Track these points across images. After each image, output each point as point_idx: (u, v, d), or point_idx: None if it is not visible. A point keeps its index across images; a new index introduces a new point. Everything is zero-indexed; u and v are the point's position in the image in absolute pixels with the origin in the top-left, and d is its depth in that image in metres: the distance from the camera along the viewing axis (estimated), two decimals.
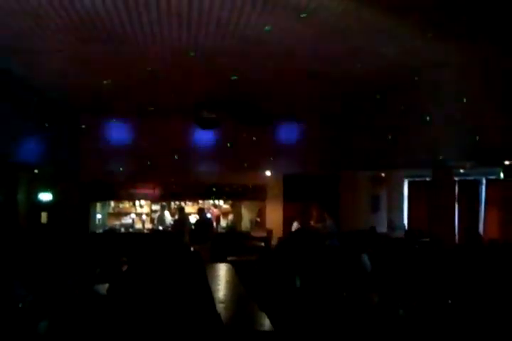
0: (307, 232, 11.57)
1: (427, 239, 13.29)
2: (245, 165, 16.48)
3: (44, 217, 15.84)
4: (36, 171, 14.91)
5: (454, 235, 13.54)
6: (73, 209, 16.53)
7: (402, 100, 13.24)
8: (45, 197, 15.88)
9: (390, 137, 13.29)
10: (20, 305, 6.64)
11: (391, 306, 7.15)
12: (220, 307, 6.55)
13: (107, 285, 7.95)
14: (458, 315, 6.84)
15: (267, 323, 5.74)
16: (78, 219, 16.63)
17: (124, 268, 9.57)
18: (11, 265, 8.53)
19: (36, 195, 15.72)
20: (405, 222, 16.69)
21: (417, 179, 17.00)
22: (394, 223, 16.29)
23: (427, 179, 14.79)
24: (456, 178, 13.87)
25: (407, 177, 16.78)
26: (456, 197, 14.04)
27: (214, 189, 17.64)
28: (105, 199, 18.11)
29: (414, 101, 12.86)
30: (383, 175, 16.99)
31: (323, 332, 6.68)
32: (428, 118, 11.90)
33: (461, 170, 13.38)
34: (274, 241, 15.19)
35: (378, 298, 7.77)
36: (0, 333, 5.81)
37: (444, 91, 11.71)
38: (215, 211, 18.71)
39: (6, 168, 13.30)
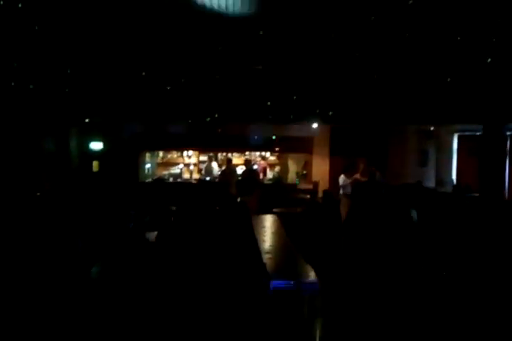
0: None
1: (476, 195, 13.15)
2: (292, 117, 16.36)
3: (95, 166, 16.19)
4: (87, 121, 15.17)
5: (504, 191, 13.34)
6: (123, 158, 16.78)
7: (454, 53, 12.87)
8: (96, 146, 16.20)
9: (441, 91, 12.98)
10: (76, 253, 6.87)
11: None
12: (266, 257, 6.65)
13: (155, 233, 8.17)
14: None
15: (311, 274, 5.82)
16: (128, 168, 16.89)
17: (173, 217, 9.79)
18: (66, 213, 8.80)
19: (87, 145, 16.04)
20: (453, 177, 16.51)
21: (466, 133, 16.70)
22: (442, 178, 16.13)
23: (477, 134, 14.51)
24: (507, 133, 13.58)
25: (456, 131, 16.48)
26: (508, 152, 13.78)
27: (261, 141, 17.63)
28: (154, 149, 18.31)
29: (465, 55, 12.49)
30: (432, 129, 16.73)
31: (367, 284, 6.75)
32: (480, 71, 11.54)
33: None
34: (320, 194, 15.21)
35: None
36: (53, 279, 6.04)
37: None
38: (262, 163, 18.78)
39: (58, 118, 13.57)
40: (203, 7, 8.76)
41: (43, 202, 10.90)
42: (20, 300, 5.60)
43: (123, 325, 5.18)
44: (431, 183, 16.01)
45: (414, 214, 9.68)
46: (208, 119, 15.64)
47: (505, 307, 5.99)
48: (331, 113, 15.86)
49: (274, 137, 17.74)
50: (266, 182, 17.44)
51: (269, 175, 18.51)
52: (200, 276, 6.40)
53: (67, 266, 6.50)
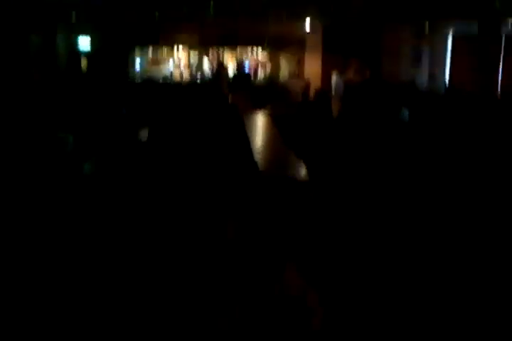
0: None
1: (469, 94, 13.10)
2: (284, 13, 15.90)
3: (84, 64, 15.87)
4: (74, 15, 14.64)
5: (497, 91, 13.27)
6: (112, 56, 16.41)
7: None
8: (84, 43, 15.76)
9: None
10: (68, 148, 6.87)
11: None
12: (258, 155, 6.68)
13: (147, 132, 8.17)
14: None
15: (303, 172, 5.88)
16: (118, 67, 16.56)
17: (164, 116, 9.76)
18: (57, 111, 8.72)
19: (76, 41, 15.60)
20: (447, 76, 16.36)
21: (461, 33, 16.36)
22: (435, 78, 15.98)
23: (472, 33, 14.21)
24: (503, 33, 13.31)
25: (451, 31, 16.14)
26: (502, 52, 13.57)
27: (253, 38, 17.23)
28: (145, 44, 17.83)
29: None
30: (427, 28, 16.35)
31: (358, 182, 6.84)
32: None
33: (510, 26, 12.80)
34: (311, 93, 15.11)
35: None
36: (46, 177, 6.08)
37: None
38: (253, 61, 18.46)
39: (42, 11, 13.08)
40: None
41: (34, 99, 10.77)
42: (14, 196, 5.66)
43: (116, 222, 5.26)
44: (424, 83, 15.88)
45: (405, 113, 9.68)
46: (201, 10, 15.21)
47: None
48: (324, 8, 15.44)
49: (265, 36, 17.36)
50: (257, 81, 17.24)
51: (261, 74, 18.25)
52: (191, 173, 6.45)
53: (60, 163, 6.52)
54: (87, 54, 15.89)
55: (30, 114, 8.90)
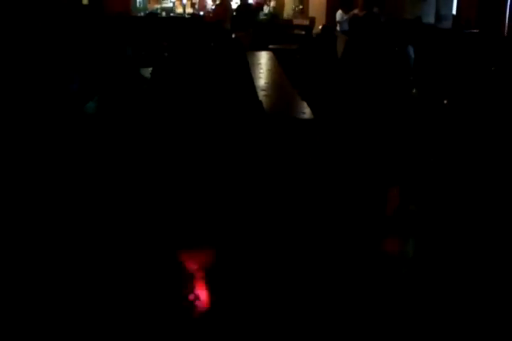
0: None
1: (476, 30, 12.90)
2: None
3: None
4: None
5: (504, 27, 13.07)
6: None
7: None
8: None
9: None
10: (72, 87, 6.86)
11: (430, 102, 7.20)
12: (262, 94, 6.68)
13: (150, 69, 8.12)
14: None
15: (307, 111, 5.89)
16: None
17: (166, 52, 9.65)
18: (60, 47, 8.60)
19: None
20: (454, 11, 16.05)
21: None
22: (441, 13, 15.67)
23: None
24: None
25: None
26: None
27: None
28: None
29: None
30: None
31: (362, 121, 6.87)
32: None
33: None
34: (316, 30, 14.88)
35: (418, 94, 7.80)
36: (49, 116, 6.09)
37: None
38: None
39: None
40: None
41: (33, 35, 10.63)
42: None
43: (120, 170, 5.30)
44: (430, 19, 15.60)
45: (411, 50, 9.56)
46: None
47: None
48: None
49: None
50: (261, 17, 16.95)
51: (265, 10, 17.94)
52: (195, 111, 6.46)
53: (64, 102, 6.53)
54: None
55: (32, 50, 8.82)
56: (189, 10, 17.81)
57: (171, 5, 17.92)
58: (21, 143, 5.57)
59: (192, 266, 3.98)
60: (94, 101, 6.75)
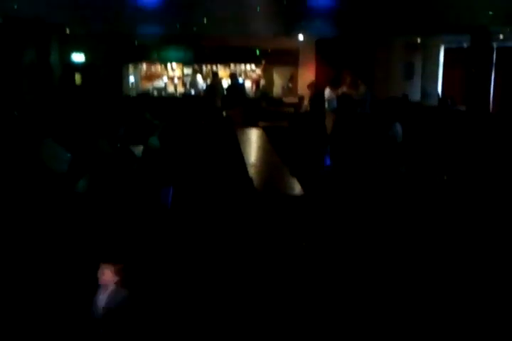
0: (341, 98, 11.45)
1: (461, 108, 13.17)
2: (276, 28, 15.97)
3: (78, 78, 15.90)
4: (68, 31, 14.72)
5: (489, 104, 13.37)
6: (106, 71, 16.46)
7: None
8: (78, 58, 15.81)
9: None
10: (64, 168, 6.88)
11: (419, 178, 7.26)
12: (252, 171, 6.71)
13: (141, 147, 8.17)
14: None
15: (297, 188, 5.91)
16: (111, 81, 16.62)
17: (158, 131, 9.76)
18: (50, 125, 8.70)
19: (69, 56, 15.64)
20: (439, 90, 16.46)
21: (453, 46, 16.50)
22: (427, 91, 16.08)
23: (464, 46, 14.34)
24: (494, 45, 13.45)
25: (443, 44, 16.28)
26: (494, 64, 13.69)
27: (246, 53, 17.33)
28: (138, 60, 17.92)
29: None
30: (419, 41, 16.49)
31: (351, 198, 6.87)
32: None
33: (501, 36, 12.92)
34: (304, 107, 15.17)
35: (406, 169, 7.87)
36: (40, 194, 6.08)
37: None
38: (254, 76, 18.55)
39: (37, 28, 13.14)
40: None
41: (26, 116, 10.79)
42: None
43: (110, 237, 5.26)
44: (417, 96, 15.98)
45: (399, 128, 9.73)
46: (195, 29, 15.24)
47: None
48: (316, 24, 15.49)
49: (258, 52, 17.43)
50: (252, 96, 17.29)
51: (254, 88, 18.31)
52: (187, 189, 6.46)
53: (54, 180, 6.53)
54: (81, 69, 15.91)
55: (25, 129, 8.92)
56: (181, 89, 18.18)
57: (162, 85, 18.29)
58: (11, 222, 5.53)
59: None
60: (84, 179, 6.76)
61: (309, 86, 15.80)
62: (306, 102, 15.54)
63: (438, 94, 16.03)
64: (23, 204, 5.82)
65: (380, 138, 8.95)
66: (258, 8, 13.75)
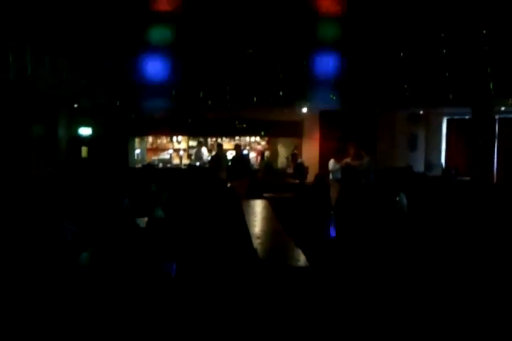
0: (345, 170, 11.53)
1: (466, 178, 13.20)
2: (281, 101, 16.28)
3: (84, 151, 16.11)
4: (76, 106, 15.06)
5: (493, 174, 13.41)
6: (112, 144, 16.71)
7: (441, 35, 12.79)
8: (85, 131, 16.08)
9: (428, 73, 12.97)
10: (68, 239, 6.83)
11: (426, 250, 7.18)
12: (257, 242, 6.65)
13: (146, 219, 8.14)
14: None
15: (302, 259, 5.84)
16: (117, 154, 16.83)
17: (163, 202, 9.75)
18: (55, 199, 8.73)
19: (76, 130, 15.92)
20: (443, 160, 16.57)
21: (455, 117, 16.75)
22: (431, 162, 16.19)
23: (467, 117, 14.52)
24: (496, 116, 13.63)
25: (445, 115, 16.52)
26: (497, 135, 13.84)
27: (251, 125, 17.61)
28: (144, 134, 18.25)
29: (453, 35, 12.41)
30: (421, 113, 16.75)
31: (358, 269, 6.78)
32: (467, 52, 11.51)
33: (502, 108, 13.11)
34: (310, 179, 15.23)
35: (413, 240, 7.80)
36: (43, 265, 6.02)
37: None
38: (259, 147, 18.79)
39: (46, 102, 13.44)
40: None
41: (32, 189, 10.85)
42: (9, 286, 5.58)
43: (114, 314, 5.18)
44: (420, 167, 16.07)
45: (404, 198, 9.71)
46: (198, 104, 15.55)
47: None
48: (320, 97, 15.82)
49: (262, 126, 17.75)
50: (256, 167, 17.42)
51: (259, 160, 18.49)
52: (191, 262, 6.40)
53: (58, 253, 6.48)
54: (87, 142, 16.15)
55: (30, 200, 8.94)
56: (186, 161, 18.37)
57: (168, 156, 18.52)
58: (14, 295, 5.45)
59: None
60: (88, 252, 6.69)
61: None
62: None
63: (442, 165, 16.12)
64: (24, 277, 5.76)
65: (385, 209, 8.92)
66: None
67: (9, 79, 10.54)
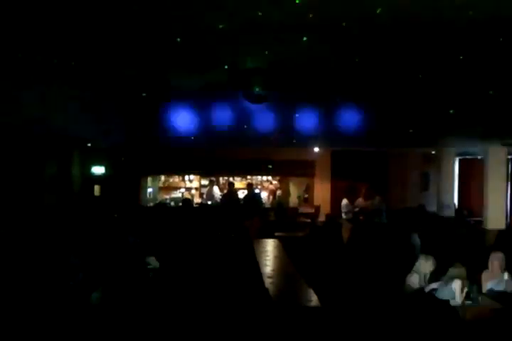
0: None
1: (478, 219, 13.11)
2: (294, 141, 16.38)
3: (97, 190, 16.19)
4: (89, 145, 15.21)
5: (506, 216, 13.31)
6: (125, 183, 16.82)
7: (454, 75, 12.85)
8: (98, 170, 16.22)
9: (441, 113, 13.00)
10: (77, 277, 6.84)
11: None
12: (268, 282, 6.63)
13: (155, 259, 8.13)
14: None
15: (314, 299, 5.80)
16: (129, 193, 16.92)
17: (174, 241, 9.77)
18: (67, 238, 8.77)
19: (89, 169, 16.06)
20: (455, 200, 16.50)
21: (468, 157, 16.75)
22: (443, 202, 16.13)
23: (479, 157, 14.52)
24: (509, 156, 13.62)
25: (457, 155, 16.53)
26: (509, 175, 13.81)
27: (262, 165, 17.68)
28: (156, 173, 18.37)
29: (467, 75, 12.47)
30: (433, 152, 16.78)
31: (369, 309, 6.71)
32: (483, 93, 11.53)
33: None
34: (321, 218, 15.21)
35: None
36: (54, 305, 6.02)
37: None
38: (271, 186, 18.84)
39: (60, 142, 13.60)
40: None
41: (44, 227, 10.88)
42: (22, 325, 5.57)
43: None
44: (432, 207, 16.00)
45: (416, 238, 9.66)
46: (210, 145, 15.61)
47: None
48: (331, 137, 15.85)
49: (272, 165, 17.79)
50: (268, 206, 17.40)
51: (271, 199, 18.51)
52: (203, 303, 6.38)
53: (68, 292, 6.48)
54: (100, 181, 16.26)
55: (41, 238, 8.97)
56: (197, 200, 18.39)
57: (179, 195, 18.57)
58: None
59: None
60: (99, 291, 6.69)
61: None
62: (322, 212, 15.70)
63: (454, 205, 16.05)
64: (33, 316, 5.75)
65: (398, 250, 8.87)
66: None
67: (23, 119, 10.70)
